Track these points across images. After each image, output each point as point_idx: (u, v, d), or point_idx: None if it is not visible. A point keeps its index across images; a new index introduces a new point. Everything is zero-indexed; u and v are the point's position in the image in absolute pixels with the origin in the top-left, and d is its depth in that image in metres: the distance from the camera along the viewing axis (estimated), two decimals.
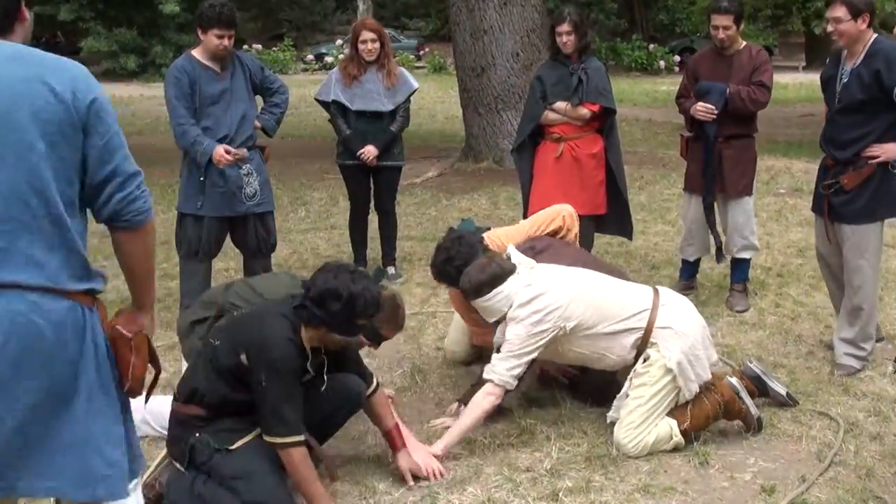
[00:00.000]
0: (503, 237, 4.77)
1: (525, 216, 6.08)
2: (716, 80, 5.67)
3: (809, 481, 3.66)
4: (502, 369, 3.90)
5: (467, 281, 3.98)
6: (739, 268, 6.01)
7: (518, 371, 3.92)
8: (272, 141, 5.98)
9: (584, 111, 5.87)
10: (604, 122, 6.00)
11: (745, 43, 5.78)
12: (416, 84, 6.58)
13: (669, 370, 3.89)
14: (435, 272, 4.45)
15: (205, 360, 3.53)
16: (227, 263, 6.62)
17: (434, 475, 3.73)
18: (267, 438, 3.38)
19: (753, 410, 4.08)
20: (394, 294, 4.03)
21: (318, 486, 3.40)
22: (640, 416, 3.89)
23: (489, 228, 5.02)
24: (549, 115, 5.95)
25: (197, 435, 3.44)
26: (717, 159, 5.73)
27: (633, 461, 3.84)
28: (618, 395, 4.04)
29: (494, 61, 10.89)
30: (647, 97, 22.22)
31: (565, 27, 5.82)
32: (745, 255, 5.97)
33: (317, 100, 6.53)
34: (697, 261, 6.21)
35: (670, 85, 25.75)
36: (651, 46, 33.68)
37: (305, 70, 33.01)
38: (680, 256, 6.30)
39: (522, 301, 3.91)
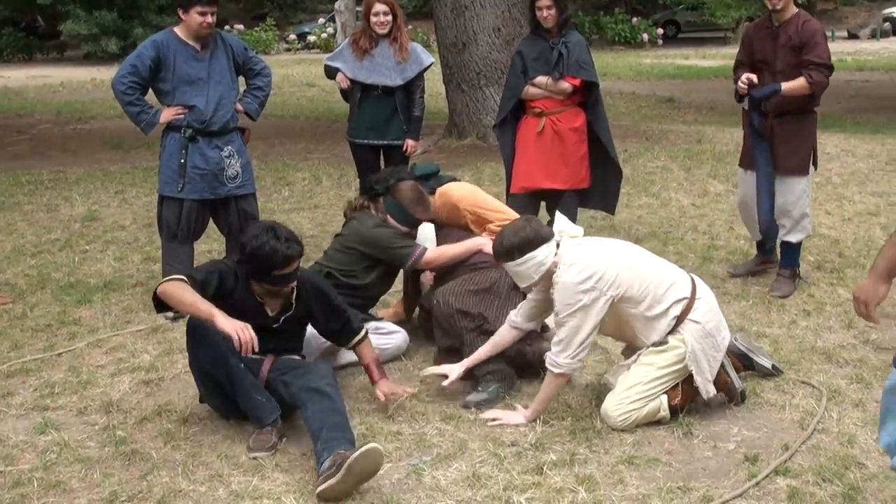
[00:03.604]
0: (454, 193, 4.88)
1: (508, 192, 6.08)
2: (763, 54, 5.38)
3: (792, 449, 3.68)
4: (564, 359, 3.86)
5: (500, 242, 3.90)
6: (784, 251, 5.69)
7: (581, 355, 3.87)
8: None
9: (565, 85, 5.85)
10: (586, 96, 5.99)
11: (796, 10, 5.37)
12: (427, 60, 6.44)
13: (682, 359, 3.88)
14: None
15: None
16: (211, 245, 6.59)
17: (405, 392, 4.12)
18: None
19: (738, 384, 4.09)
20: (412, 183, 4.66)
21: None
22: (637, 394, 3.87)
23: (455, 179, 5.07)
24: (530, 90, 5.94)
25: None
26: (770, 135, 5.45)
27: (618, 434, 3.85)
28: (617, 365, 4.02)
29: (476, 37, 10.84)
30: (631, 70, 22.18)
31: (546, 2, 5.79)
32: (791, 238, 5.61)
33: (326, 64, 6.48)
34: (764, 241, 5.83)
35: (654, 58, 25.75)
36: (634, 20, 33.65)
37: (288, 50, 32.84)
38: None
39: (568, 263, 3.83)
